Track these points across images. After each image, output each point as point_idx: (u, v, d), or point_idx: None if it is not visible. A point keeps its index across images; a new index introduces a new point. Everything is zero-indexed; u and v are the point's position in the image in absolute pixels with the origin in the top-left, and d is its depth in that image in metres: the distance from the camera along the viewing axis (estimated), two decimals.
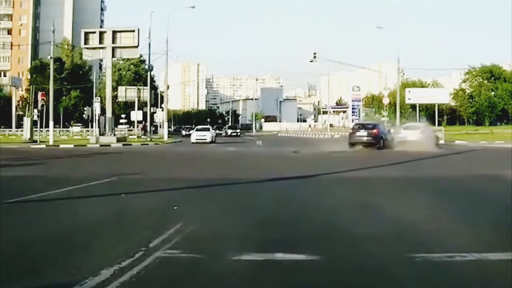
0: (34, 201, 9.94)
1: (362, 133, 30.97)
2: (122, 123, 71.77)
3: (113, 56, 42.76)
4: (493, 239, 6.42)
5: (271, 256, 5.52)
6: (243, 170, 18.29)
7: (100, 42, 41.47)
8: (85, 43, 42.34)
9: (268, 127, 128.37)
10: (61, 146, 37.38)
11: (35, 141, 40.19)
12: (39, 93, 40.79)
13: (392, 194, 11.13)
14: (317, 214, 8.53)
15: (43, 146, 36.97)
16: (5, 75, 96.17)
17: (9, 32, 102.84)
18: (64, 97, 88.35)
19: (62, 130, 69.40)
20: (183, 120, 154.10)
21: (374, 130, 30.98)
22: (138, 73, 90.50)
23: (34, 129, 44.37)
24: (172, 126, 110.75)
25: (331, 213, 8.57)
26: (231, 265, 5.26)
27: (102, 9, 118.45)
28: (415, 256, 5.51)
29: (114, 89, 73.30)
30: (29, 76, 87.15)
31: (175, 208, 8.92)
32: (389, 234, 6.78)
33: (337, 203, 9.79)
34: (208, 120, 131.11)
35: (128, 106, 73.00)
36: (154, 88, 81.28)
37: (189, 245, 6.05)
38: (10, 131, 66.19)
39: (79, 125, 75.96)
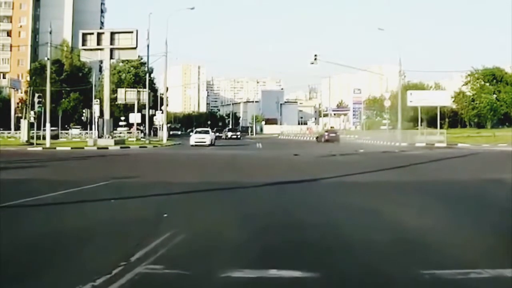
0: (19, 207, 9.42)
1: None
2: (121, 126, 71.23)
3: (111, 58, 42.25)
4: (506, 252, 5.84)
5: (263, 273, 4.95)
6: (242, 173, 17.72)
7: (98, 44, 40.95)
8: (83, 44, 41.83)
9: (268, 129, 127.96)
10: (58, 148, 36.87)
11: (32, 144, 39.70)
12: (36, 95, 40.29)
13: (396, 200, 10.57)
14: (316, 223, 7.93)
15: (40, 148, 36.47)
16: (4, 77, 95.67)
17: (9, 34, 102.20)
18: (63, 99, 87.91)
19: (61, 133, 68.79)
20: (183, 123, 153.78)
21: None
22: (138, 75, 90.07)
23: (32, 131, 43.82)
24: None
25: (332, 222, 8.00)
26: (219, 283, 4.73)
27: (102, 11, 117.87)
28: (424, 273, 4.96)
29: (114, 91, 73.02)
30: (28, 78, 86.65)
31: (165, 215, 8.37)
32: (395, 247, 6.23)
33: (339, 210, 9.22)
34: (209, 122, 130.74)
35: (128, 109, 72.50)
36: (154, 90, 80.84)
37: (175, 259, 5.50)
38: (9, 133, 65.67)
39: (78, 128, 75.38)
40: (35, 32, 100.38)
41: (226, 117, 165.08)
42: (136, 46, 42.18)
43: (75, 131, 71.03)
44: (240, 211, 9.10)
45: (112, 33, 41.64)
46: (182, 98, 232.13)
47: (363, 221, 8.09)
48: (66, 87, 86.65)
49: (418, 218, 8.27)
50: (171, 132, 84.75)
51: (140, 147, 41.24)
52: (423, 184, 13.91)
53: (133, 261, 5.34)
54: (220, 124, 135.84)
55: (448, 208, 9.46)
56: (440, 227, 7.59)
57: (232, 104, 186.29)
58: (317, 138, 61.34)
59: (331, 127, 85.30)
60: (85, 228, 7.45)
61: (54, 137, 49.42)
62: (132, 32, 41.47)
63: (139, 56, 77.82)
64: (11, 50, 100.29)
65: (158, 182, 14.00)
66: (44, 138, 41.54)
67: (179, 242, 6.32)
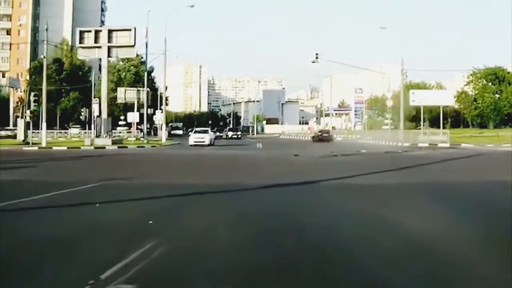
0: None
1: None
2: (121, 125, 70.58)
3: (109, 56, 41.43)
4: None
5: None
6: (240, 175, 17.02)
7: (96, 41, 40.19)
8: (80, 42, 41.06)
9: (270, 129, 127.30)
10: (54, 148, 36.26)
11: (28, 143, 39.08)
12: (32, 94, 39.70)
13: (407, 206, 9.78)
14: (317, 233, 7.15)
15: (36, 148, 35.84)
16: (3, 76, 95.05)
17: (8, 32, 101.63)
18: (63, 99, 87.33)
19: (60, 132, 68.32)
20: (185, 122, 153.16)
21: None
22: (138, 74, 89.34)
23: (33, 130, 43.18)
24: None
25: (334, 232, 7.24)
26: None
27: (102, 10, 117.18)
28: None
29: (114, 90, 72.35)
30: (28, 77, 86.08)
31: (150, 222, 7.67)
32: (406, 263, 5.49)
33: (342, 218, 8.40)
34: (210, 122, 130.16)
35: (128, 108, 71.83)
36: (154, 89, 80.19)
37: (151, 276, 4.81)
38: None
39: (78, 127, 74.85)
40: (35, 30, 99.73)
41: (227, 117, 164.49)
42: (134, 44, 41.44)
43: (74, 131, 70.46)
44: (234, 217, 8.38)
45: (110, 31, 40.90)
46: (183, 98, 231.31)
47: (371, 232, 7.28)
48: (66, 86, 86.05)
49: (432, 227, 7.50)
50: (172, 132, 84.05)
51: (138, 146, 40.55)
52: (432, 186, 13.13)
53: (103, 278, 4.65)
54: (221, 123, 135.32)
55: (463, 214, 8.73)
56: (457, 238, 6.85)
57: (233, 103, 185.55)
58: (313, 137, 63.65)
59: (332, 127, 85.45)
60: (57, 237, 6.73)
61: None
62: (130, 30, 40.71)
63: (139, 55, 77.30)
64: (10, 49, 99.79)
65: (149, 184, 13.37)
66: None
67: (160, 255, 5.61)
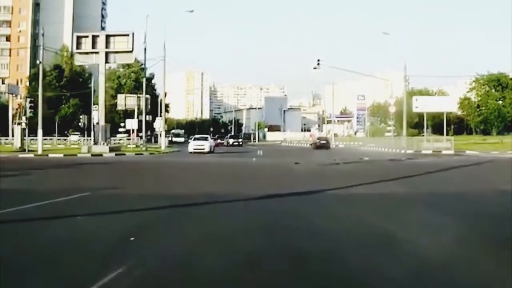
0: None
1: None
2: (121, 132, 69.92)
3: (106, 61, 40.50)
4: None
5: None
6: (239, 184, 16.26)
7: (93, 47, 39.29)
8: (78, 47, 40.17)
9: (271, 136, 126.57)
10: (50, 155, 35.52)
11: (24, 150, 38.34)
12: (27, 100, 38.99)
13: (422, 220, 8.92)
14: (319, 254, 6.27)
15: (32, 155, 35.10)
16: (3, 83, 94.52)
17: (8, 38, 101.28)
18: (63, 105, 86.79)
19: (59, 139, 67.63)
20: (186, 129, 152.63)
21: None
22: (138, 81, 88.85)
23: (31, 138, 42.43)
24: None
25: (338, 253, 6.38)
26: None
27: (103, 16, 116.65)
28: None
29: (114, 97, 71.70)
30: (27, 84, 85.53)
31: (132, 239, 6.85)
32: None
33: (346, 234, 7.56)
34: (211, 129, 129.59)
35: (128, 115, 71.17)
36: (155, 96, 79.64)
37: None
38: (7, 139, 64.49)
39: (77, 134, 74.17)
40: (35, 37, 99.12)
41: (229, 124, 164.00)
42: (132, 50, 40.52)
43: (73, 138, 69.77)
44: (226, 233, 7.54)
45: (108, 36, 40.05)
46: (185, 105, 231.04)
47: (384, 255, 6.46)
48: (65, 92, 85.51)
49: (452, 248, 6.67)
50: (173, 139, 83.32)
51: (136, 154, 39.75)
52: (447, 196, 12.33)
53: None
54: (223, 130, 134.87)
55: (485, 230, 7.92)
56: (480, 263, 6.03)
57: (235, 110, 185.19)
58: (311, 144, 65.56)
59: (335, 134, 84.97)
60: (26, 255, 5.95)
61: None
62: (128, 35, 39.87)
63: (139, 62, 76.68)
64: (10, 55, 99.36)
65: (140, 195, 12.57)
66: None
67: (135, 279, 4.80)
